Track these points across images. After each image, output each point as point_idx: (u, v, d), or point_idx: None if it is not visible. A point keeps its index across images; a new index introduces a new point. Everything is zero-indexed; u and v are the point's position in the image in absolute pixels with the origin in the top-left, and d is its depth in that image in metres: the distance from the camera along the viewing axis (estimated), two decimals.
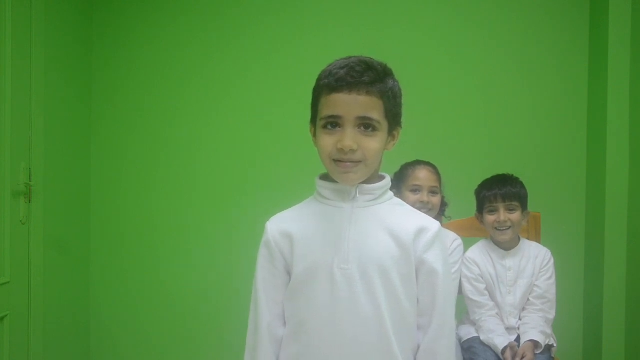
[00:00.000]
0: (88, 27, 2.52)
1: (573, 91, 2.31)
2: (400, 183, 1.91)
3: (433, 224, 1.11)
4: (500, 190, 1.88)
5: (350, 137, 1.02)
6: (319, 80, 1.10)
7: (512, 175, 1.94)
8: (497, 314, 1.87)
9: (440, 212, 1.96)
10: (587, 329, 2.26)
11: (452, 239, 1.92)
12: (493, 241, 1.95)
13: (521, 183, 1.92)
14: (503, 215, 1.86)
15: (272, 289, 1.13)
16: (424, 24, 2.38)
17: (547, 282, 1.87)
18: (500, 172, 1.96)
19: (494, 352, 1.79)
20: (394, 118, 1.09)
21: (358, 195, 1.09)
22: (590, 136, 2.29)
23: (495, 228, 1.88)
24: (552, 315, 1.86)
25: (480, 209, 1.94)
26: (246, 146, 2.48)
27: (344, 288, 1.06)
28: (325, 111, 1.06)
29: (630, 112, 2.11)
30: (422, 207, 1.82)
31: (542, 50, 2.31)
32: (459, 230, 2.06)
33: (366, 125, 1.04)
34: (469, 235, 2.04)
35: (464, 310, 1.94)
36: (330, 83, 1.05)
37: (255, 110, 2.48)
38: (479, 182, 1.98)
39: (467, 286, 1.91)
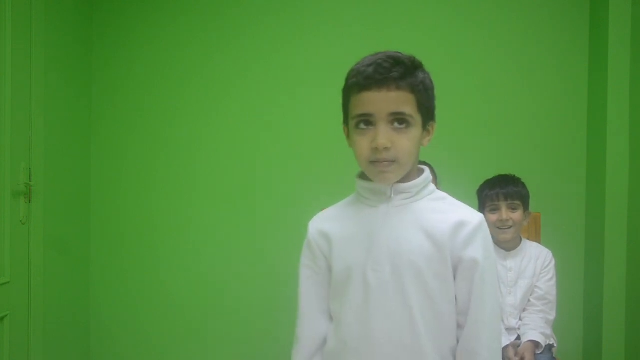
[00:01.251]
0: (88, 27, 2.52)
1: (573, 91, 2.31)
2: None
3: (474, 217, 1.06)
4: (502, 189, 1.88)
5: (383, 134, 1.00)
6: (347, 79, 1.09)
7: (514, 175, 1.95)
8: None
9: None
10: (587, 329, 2.26)
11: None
12: (494, 241, 1.95)
13: (523, 183, 1.93)
14: (505, 214, 1.86)
15: (315, 285, 1.14)
16: (424, 23, 2.38)
17: (548, 283, 1.87)
18: (500, 172, 1.96)
19: None
20: (427, 112, 1.06)
21: (393, 195, 1.07)
22: (590, 136, 2.29)
23: (497, 227, 1.88)
24: (552, 316, 1.86)
25: (482, 208, 1.94)
26: (246, 146, 2.48)
27: (376, 290, 1.05)
28: (357, 110, 1.04)
29: (630, 112, 2.11)
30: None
31: (542, 50, 2.31)
32: None
33: (400, 120, 1.02)
34: None
35: None
36: (359, 82, 1.03)
37: (255, 110, 2.48)
38: (479, 182, 1.98)
39: None
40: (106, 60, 2.55)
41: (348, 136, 1.11)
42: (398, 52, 1.07)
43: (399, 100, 1.01)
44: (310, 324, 1.15)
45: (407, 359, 1.05)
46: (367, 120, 1.03)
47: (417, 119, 1.04)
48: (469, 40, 2.35)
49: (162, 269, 2.54)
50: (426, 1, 2.39)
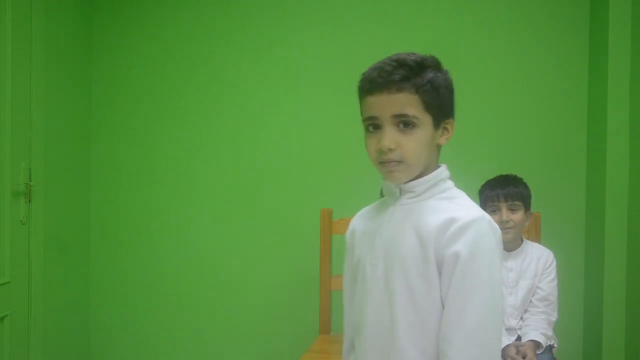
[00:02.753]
0: (88, 27, 2.52)
1: (573, 91, 2.31)
2: None
3: (468, 215, 1.03)
4: (502, 190, 1.87)
5: (387, 136, 1.03)
6: (358, 84, 1.11)
7: (516, 175, 1.94)
8: None
9: None
10: (587, 329, 2.26)
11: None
12: None
13: (524, 183, 1.92)
14: (505, 214, 1.85)
15: (349, 276, 1.23)
16: (424, 23, 2.38)
17: (550, 284, 1.87)
18: (501, 173, 1.96)
19: None
20: (439, 110, 1.07)
21: (400, 194, 1.11)
22: (590, 136, 2.29)
23: None
24: (554, 317, 1.86)
25: (483, 209, 1.94)
26: (246, 146, 2.48)
27: (370, 282, 1.11)
28: (365, 113, 1.09)
29: (630, 112, 2.11)
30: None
31: (542, 50, 2.31)
32: None
33: (405, 122, 1.03)
34: None
35: None
36: (364, 86, 1.08)
37: (256, 110, 2.48)
38: (479, 182, 1.98)
39: None
40: (106, 60, 2.55)
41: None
42: (410, 53, 1.10)
43: (401, 102, 1.03)
44: (347, 310, 1.24)
45: (385, 344, 1.07)
46: (375, 124, 1.06)
47: (425, 119, 1.05)
48: (468, 40, 2.35)
49: (162, 269, 2.54)
50: (426, 1, 2.38)
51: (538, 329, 1.80)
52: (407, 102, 1.03)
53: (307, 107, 2.44)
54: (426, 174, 1.09)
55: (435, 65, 1.10)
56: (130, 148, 2.55)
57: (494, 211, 1.88)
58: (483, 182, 1.96)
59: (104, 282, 2.57)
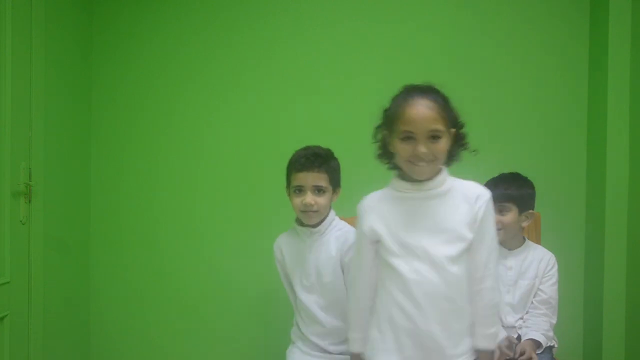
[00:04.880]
0: (88, 27, 2.52)
1: (573, 91, 2.31)
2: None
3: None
4: (492, 191, 1.85)
5: (308, 197, 1.77)
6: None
7: (517, 174, 1.91)
8: None
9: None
10: (587, 329, 2.26)
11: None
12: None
13: (520, 183, 1.89)
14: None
15: None
16: (424, 23, 2.38)
17: (552, 288, 1.86)
18: (501, 172, 1.96)
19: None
20: (336, 183, 1.81)
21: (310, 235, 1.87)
22: (590, 136, 2.29)
23: None
24: (554, 319, 1.86)
25: None
26: (247, 145, 2.48)
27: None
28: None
29: (630, 112, 2.11)
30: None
31: (543, 50, 2.31)
32: None
33: (318, 189, 1.76)
34: None
35: None
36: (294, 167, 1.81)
37: (256, 108, 2.48)
38: (477, 182, 1.98)
39: None
40: (106, 60, 2.55)
41: None
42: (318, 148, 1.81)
43: (316, 178, 1.75)
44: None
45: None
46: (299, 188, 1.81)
47: (329, 188, 1.78)
48: (468, 40, 2.35)
49: (162, 269, 2.54)
50: (427, 2, 2.38)
51: (539, 329, 1.80)
52: (321, 177, 1.76)
53: (309, 106, 2.44)
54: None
55: (332, 158, 1.83)
56: (130, 148, 2.55)
57: None
58: (483, 183, 1.95)
59: (104, 282, 2.57)
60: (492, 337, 1.45)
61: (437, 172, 1.45)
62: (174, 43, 2.52)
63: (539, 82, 2.32)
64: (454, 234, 1.40)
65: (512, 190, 1.86)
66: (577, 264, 2.28)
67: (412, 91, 1.44)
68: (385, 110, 1.48)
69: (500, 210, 1.83)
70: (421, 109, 1.39)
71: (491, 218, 1.47)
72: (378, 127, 1.49)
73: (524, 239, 1.94)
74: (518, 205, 1.86)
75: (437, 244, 1.40)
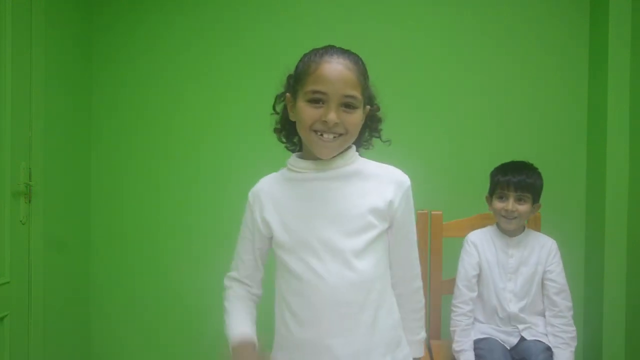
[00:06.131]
0: (88, 27, 2.52)
1: (573, 91, 2.31)
2: None
3: None
4: (513, 178, 1.82)
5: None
6: None
7: (532, 164, 1.89)
8: (470, 311, 1.83)
9: None
10: (587, 329, 2.26)
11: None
12: (498, 227, 1.92)
13: (538, 174, 1.87)
14: (512, 204, 1.81)
15: None
16: (424, 23, 2.38)
17: (561, 275, 1.84)
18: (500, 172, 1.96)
19: (502, 352, 1.78)
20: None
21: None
22: (590, 136, 2.29)
23: (502, 215, 1.84)
24: (570, 305, 1.82)
25: (491, 192, 1.89)
26: (247, 145, 2.48)
27: None
28: None
29: (630, 112, 2.11)
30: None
31: (542, 50, 2.31)
32: (458, 230, 2.06)
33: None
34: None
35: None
36: None
37: (256, 109, 2.47)
38: (479, 181, 1.98)
39: (459, 268, 1.89)
40: (106, 60, 2.55)
41: None
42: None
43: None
44: None
45: None
46: None
47: None
48: (468, 39, 2.35)
49: (162, 269, 2.54)
50: (426, 1, 2.38)
51: (567, 347, 1.76)
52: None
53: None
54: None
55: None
56: (130, 148, 2.55)
57: (501, 197, 1.84)
58: (487, 175, 1.94)
59: (104, 282, 2.57)
60: (420, 344, 1.26)
61: (345, 150, 1.18)
62: (174, 43, 2.52)
63: (539, 82, 2.32)
64: (360, 221, 1.13)
65: (534, 180, 1.84)
66: (577, 263, 2.27)
67: (330, 49, 1.20)
68: (290, 76, 1.23)
69: (519, 199, 1.82)
70: (339, 68, 1.14)
71: (412, 208, 1.22)
72: (280, 96, 1.24)
73: (524, 226, 1.93)
74: (533, 196, 1.85)
75: (339, 234, 1.13)
